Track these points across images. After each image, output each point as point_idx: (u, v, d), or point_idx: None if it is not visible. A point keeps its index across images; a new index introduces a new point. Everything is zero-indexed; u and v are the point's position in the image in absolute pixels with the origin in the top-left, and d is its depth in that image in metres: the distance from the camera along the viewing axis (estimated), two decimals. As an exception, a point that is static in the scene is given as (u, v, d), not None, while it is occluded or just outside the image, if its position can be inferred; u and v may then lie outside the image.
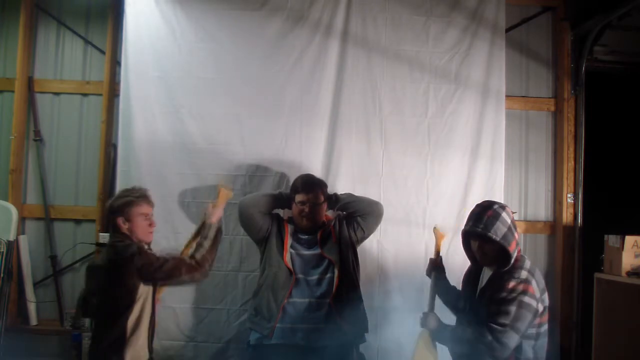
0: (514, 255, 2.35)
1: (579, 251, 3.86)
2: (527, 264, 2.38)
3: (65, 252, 3.78)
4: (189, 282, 2.58)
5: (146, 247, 2.53)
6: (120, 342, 2.38)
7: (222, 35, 3.63)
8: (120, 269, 2.38)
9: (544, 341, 2.39)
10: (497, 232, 2.33)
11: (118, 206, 2.52)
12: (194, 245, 2.67)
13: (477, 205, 2.45)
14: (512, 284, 2.30)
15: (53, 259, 3.77)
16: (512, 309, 2.26)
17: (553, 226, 3.95)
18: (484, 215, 2.38)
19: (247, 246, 3.47)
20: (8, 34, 3.90)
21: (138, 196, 2.57)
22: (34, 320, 3.73)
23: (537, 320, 2.33)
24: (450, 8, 3.73)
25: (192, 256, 2.54)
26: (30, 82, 3.83)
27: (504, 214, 2.38)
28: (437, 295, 2.69)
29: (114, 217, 2.52)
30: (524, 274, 2.32)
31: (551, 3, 4.00)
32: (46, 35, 3.90)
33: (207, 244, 2.61)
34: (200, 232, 2.70)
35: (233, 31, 3.63)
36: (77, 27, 3.90)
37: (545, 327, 2.40)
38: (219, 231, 2.69)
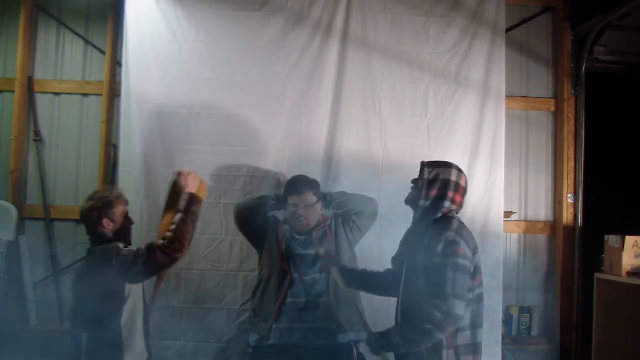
0: (425, 202, 2.39)
1: (579, 251, 3.87)
2: (455, 224, 2.34)
3: (65, 252, 3.77)
4: (170, 264, 2.40)
5: (122, 245, 2.44)
6: (117, 346, 2.36)
7: (222, 36, 3.62)
8: (103, 273, 2.33)
9: (480, 306, 2.33)
10: (431, 173, 2.42)
11: (101, 207, 2.42)
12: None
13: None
14: (439, 247, 2.25)
15: (53, 259, 3.77)
16: (449, 275, 2.19)
17: (553, 226, 3.95)
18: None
19: (247, 246, 3.44)
20: (8, 34, 3.89)
21: (117, 196, 2.51)
22: (34, 320, 3.72)
23: (470, 284, 2.26)
24: (450, 8, 3.72)
25: (164, 236, 2.39)
26: (30, 82, 3.82)
27: (454, 170, 2.43)
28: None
29: (98, 218, 2.42)
30: (450, 235, 2.27)
31: (551, 3, 4.01)
32: (46, 35, 3.90)
33: (177, 218, 2.43)
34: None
35: (233, 31, 3.63)
36: (77, 27, 3.90)
37: (480, 290, 2.33)
38: (192, 201, 2.48)
